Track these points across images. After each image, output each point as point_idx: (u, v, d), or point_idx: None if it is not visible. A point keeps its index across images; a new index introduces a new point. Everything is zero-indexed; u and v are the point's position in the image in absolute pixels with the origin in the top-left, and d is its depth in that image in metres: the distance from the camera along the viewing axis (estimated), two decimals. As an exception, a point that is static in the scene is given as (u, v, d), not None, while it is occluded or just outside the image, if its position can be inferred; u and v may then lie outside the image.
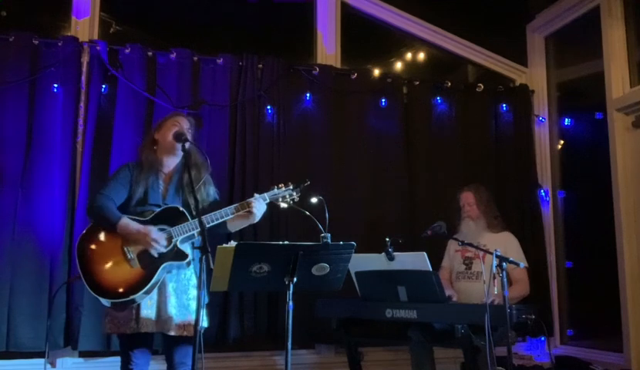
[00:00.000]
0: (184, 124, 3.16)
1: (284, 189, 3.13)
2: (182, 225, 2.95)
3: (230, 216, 3.04)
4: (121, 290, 2.85)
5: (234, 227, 3.17)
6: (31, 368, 3.91)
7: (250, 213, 3.04)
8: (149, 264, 2.90)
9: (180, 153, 3.05)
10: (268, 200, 3.11)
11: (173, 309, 2.93)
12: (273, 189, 3.13)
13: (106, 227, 2.94)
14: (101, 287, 2.87)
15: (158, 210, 3.00)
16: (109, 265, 2.90)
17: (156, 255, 2.90)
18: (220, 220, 3.01)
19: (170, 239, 2.93)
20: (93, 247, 2.93)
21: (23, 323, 3.73)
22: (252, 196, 3.12)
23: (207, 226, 2.88)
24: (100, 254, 2.91)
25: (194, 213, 2.93)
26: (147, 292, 2.87)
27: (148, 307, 2.91)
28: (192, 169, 2.99)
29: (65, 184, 3.93)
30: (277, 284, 2.65)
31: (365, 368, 3.83)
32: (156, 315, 2.91)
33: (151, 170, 3.05)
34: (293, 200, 3.14)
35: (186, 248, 2.97)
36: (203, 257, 2.54)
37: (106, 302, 2.89)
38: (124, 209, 3.01)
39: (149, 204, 3.01)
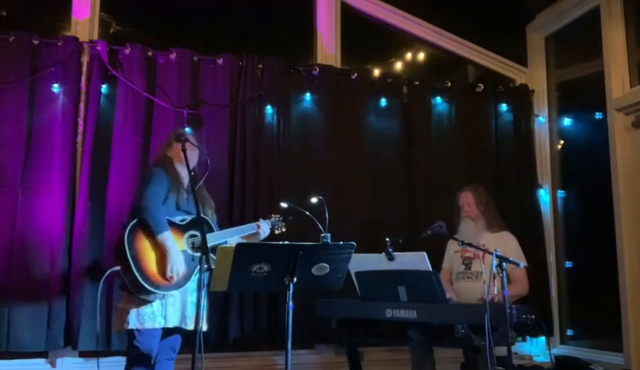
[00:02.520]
0: (193, 140, 3.39)
1: (276, 219, 3.61)
2: (209, 234, 3.18)
3: (252, 232, 3.44)
4: (165, 282, 3.05)
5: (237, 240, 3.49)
6: (31, 368, 3.92)
7: (257, 233, 3.46)
8: (189, 264, 3.13)
9: (187, 169, 3.30)
10: (270, 226, 3.55)
11: (192, 306, 3.13)
12: (271, 217, 3.61)
13: (149, 225, 3.09)
14: (149, 278, 3.02)
15: (189, 217, 3.24)
16: (154, 259, 3.07)
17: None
18: (244, 234, 3.42)
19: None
20: (141, 240, 3.09)
21: (23, 323, 3.72)
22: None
23: (229, 239, 3.33)
24: (147, 248, 3.08)
25: (212, 223, 3.33)
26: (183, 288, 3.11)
27: (172, 304, 3.10)
28: (202, 188, 3.42)
29: (65, 184, 3.92)
30: (277, 284, 2.65)
31: (365, 368, 3.83)
32: (180, 311, 3.12)
33: (179, 183, 3.30)
34: (282, 229, 3.61)
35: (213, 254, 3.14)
36: (203, 257, 2.58)
37: (152, 289, 3.02)
38: None
39: (181, 210, 3.26)
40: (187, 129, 4.04)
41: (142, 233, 3.09)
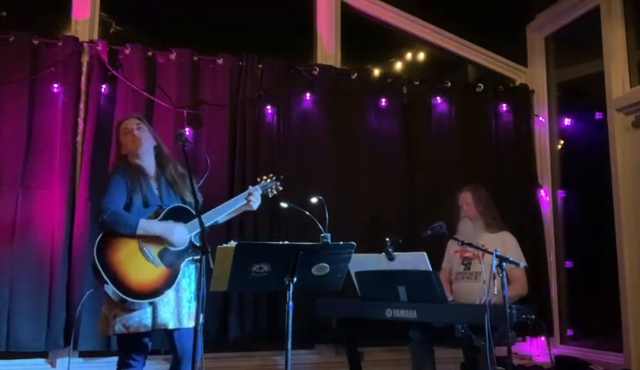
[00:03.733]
0: (131, 125, 3.22)
1: (269, 181, 3.36)
2: (194, 221, 3.05)
3: (242, 204, 3.23)
4: (151, 289, 2.91)
5: (231, 215, 3.31)
6: (31, 368, 3.92)
7: (250, 202, 3.25)
8: (173, 262, 3.01)
9: (151, 152, 3.20)
10: (261, 192, 3.31)
11: (188, 303, 3.04)
12: (261, 181, 3.35)
13: (123, 232, 2.95)
14: (132, 290, 2.89)
15: (167, 208, 3.08)
16: (134, 268, 2.93)
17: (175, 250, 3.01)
18: (233, 209, 3.22)
19: None
20: (113, 253, 2.93)
21: (23, 323, 3.72)
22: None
23: (223, 216, 3.18)
24: (122, 259, 2.93)
25: (194, 210, 3.04)
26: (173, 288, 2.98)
27: (165, 305, 2.97)
28: (168, 166, 3.20)
29: (65, 184, 3.92)
30: (277, 284, 2.65)
31: (365, 368, 3.82)
32: (175, 311, 2.98)
33: (142, 176, 3.13)
34: (277, 189, 3.37)
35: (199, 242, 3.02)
36: (203, 257, 2.57)
37: (129, 300, 2.89)
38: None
39: (151, 206, 3.09)
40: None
41: (115, 243, 2.93)
